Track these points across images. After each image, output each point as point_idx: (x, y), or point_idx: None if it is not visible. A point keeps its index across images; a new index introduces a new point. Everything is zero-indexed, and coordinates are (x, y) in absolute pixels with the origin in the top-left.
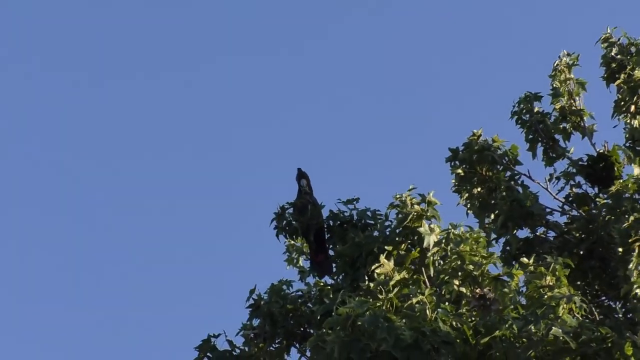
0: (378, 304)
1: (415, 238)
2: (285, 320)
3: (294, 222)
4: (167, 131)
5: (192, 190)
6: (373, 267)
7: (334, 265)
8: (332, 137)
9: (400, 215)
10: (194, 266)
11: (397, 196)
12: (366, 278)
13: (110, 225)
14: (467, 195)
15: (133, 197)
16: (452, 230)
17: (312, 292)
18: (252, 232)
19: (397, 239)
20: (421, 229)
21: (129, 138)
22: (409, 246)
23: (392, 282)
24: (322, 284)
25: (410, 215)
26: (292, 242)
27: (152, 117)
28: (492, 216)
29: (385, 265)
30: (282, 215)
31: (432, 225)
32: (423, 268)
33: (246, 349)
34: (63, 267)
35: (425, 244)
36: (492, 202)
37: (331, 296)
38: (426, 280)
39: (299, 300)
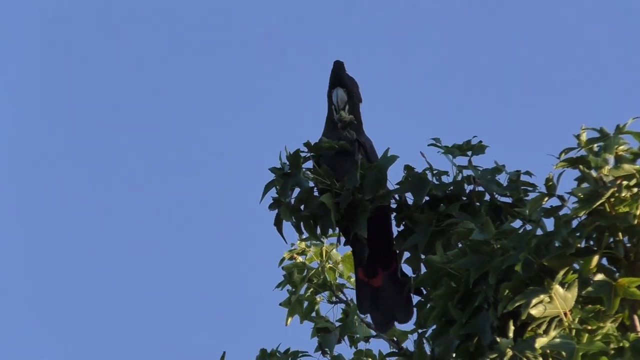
0: None
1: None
2: None
3: (317, 194)
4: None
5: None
6: (518, 304)
7: (418, 294)
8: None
9: (585, 185)
10: None
11: (582, 133)
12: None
13: None
14: None
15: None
16: None
17: None
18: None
19: (575, 240)
20: None
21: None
22: (607, 261)
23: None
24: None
25: (613, 186)
26: (307, 244)
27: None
28: None
29: (555, 301)
30: (289, 175)
31: None
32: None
33: None
34: None
35: None
36: None
37: None
38: None
39: None
